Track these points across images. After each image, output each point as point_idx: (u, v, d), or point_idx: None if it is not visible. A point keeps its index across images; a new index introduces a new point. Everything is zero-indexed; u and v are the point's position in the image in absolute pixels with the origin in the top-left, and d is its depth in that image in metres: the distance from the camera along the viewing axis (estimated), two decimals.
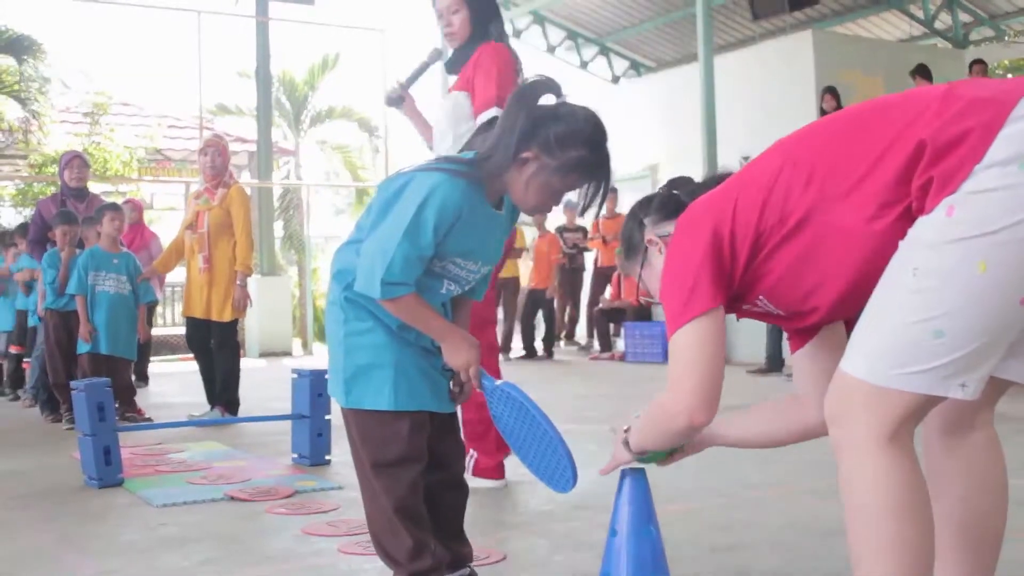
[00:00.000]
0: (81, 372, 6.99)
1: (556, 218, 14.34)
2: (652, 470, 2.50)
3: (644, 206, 2.44)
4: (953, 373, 1.82)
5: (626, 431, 2.39)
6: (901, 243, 1.86)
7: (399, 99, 4.63)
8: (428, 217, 2.42)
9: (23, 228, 9.38)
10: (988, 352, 1.83)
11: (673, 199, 2.36)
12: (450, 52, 4.50)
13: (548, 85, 2.49)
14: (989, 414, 2.16)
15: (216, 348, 7.08)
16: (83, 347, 7.11)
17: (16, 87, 17.08)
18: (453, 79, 4.48)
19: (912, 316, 1.81)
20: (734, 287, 2.08)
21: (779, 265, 2.03)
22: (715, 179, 2.29)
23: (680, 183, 2.41)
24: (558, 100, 2.49)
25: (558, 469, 2.49)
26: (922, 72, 10.70)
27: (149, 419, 7.11)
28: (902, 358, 1.83)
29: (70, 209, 7.68)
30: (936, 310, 1.79)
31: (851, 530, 1.92)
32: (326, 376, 5.22)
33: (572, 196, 2.54)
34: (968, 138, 1.79)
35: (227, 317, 6.99)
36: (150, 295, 8.19)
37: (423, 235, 2.43)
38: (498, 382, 2.59)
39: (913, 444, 1.93)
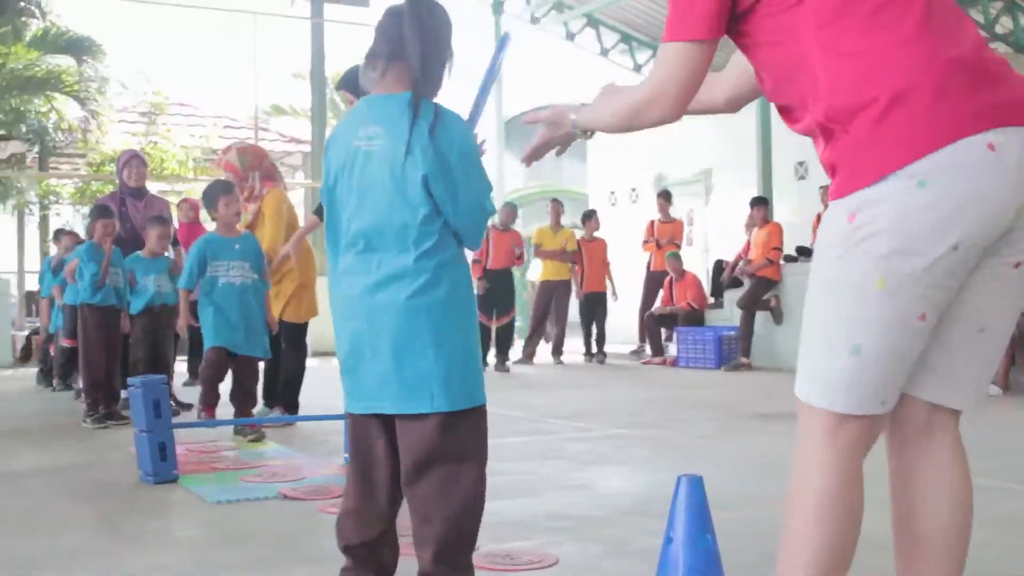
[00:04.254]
0: (207, 365, 6.19)
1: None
2: (708, 480, 2.47)
3: None
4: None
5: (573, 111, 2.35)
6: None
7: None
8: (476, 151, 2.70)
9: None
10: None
11: None
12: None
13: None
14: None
15: (284, 348, 7.02)
16: (210, 340, 6.15)
17: (75, 87, 17.34)
18: None
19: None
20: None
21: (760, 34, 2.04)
22: None
23: None
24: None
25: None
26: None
27: (261, 432, 6.28)
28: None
29: (106, 204, 7.74)
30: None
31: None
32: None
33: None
34: None
35: (289, 318, 6.89)
36: None
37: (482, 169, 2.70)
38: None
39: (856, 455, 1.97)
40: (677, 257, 13.07)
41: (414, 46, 2.56)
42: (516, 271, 13.29)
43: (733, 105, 2.42)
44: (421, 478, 2.54)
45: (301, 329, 7.02)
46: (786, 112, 2.09)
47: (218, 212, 6.31)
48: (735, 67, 2.33)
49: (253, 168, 6.94)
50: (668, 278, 13.22)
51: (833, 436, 1.93)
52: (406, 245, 2.55)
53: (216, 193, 6.33)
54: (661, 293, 13.41)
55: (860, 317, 1.87)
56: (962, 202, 1.80)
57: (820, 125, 1.94)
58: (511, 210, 12.84)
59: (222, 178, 6.75)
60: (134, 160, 8.08)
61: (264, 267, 6.38)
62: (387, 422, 2.60)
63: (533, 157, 2.49)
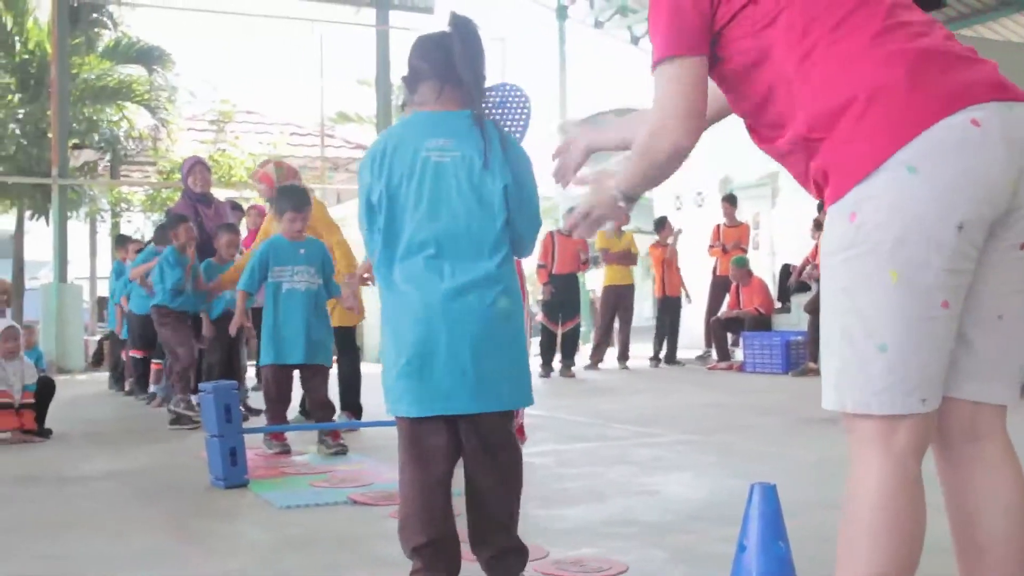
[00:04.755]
0: (265, 385, 5.98)
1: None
2: (783, 485, 2.44)
3: None
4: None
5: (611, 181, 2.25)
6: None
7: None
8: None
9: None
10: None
11: None
12: None
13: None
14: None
15: (337, 354, 7.07)
16: (267, 357, 5.89)
17: (146, 96, 17.66)
18: None
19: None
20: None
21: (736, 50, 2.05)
22: None
23: None
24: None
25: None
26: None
27: (343, 445, 6.02)
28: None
29: (183, 212, 7.85)
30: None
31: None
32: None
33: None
34: None
35: (337, 323, 6.89)
36: None
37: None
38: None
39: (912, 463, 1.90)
40: (744, 261, 12.97)
41: (467, 69, 2.73)
42: (581, 276, 13.29)
43: (709, 120, 2.41)
44: (492, 466, 2.77)
45: (351, 332, 7.13)
46: (758, 130, 2.09)
47: (281, 223, 6.10)
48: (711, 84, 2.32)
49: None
50: (735, 283, 13.13)
51: (887, 441, 1.88)
52: (482, 252, 2.71)
53: (285, 206, 6.04)
54: (727, 297, 13.32)
55: (880, 315, 1.84)
56: (956, 181, 1.80)
57: (804, 138, 1.93)
58: None
59: (297, 186, 6.66)
60: (197, 166, 8.18)
61: (331, 273, 6.21)
62: (449, 421, 2.73)
63: (585, 231, 2.35)
